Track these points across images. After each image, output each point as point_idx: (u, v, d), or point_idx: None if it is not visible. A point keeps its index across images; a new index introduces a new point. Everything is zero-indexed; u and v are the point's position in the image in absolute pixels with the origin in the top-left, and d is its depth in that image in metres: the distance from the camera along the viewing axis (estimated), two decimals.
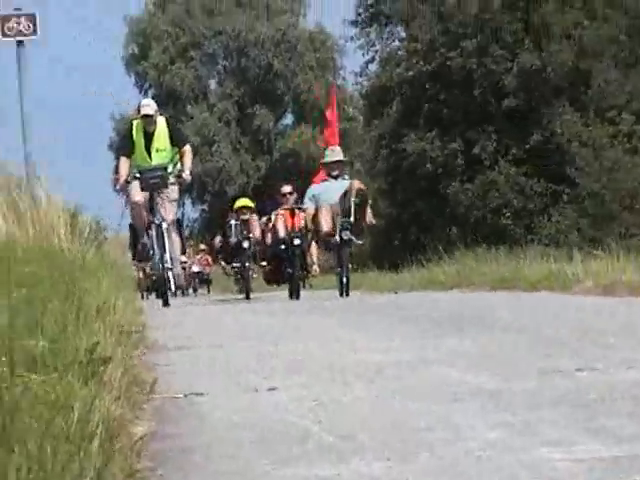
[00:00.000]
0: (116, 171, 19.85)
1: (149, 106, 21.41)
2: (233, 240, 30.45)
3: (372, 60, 63.64)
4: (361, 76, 66.70)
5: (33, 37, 34.53)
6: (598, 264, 21.39)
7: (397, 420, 7.78)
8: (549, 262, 25.03)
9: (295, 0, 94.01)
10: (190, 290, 52.17)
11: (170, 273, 19.80)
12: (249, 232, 29.28)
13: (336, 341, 13.21)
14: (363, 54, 63.81)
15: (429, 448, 6.34)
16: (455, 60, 56.94)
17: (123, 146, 21.15)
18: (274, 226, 23.55)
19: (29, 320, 8.10)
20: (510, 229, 53.88)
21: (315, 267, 26.29)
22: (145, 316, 15.35)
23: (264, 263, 31.08)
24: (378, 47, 63.67)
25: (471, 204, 60.00)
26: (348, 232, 20.37)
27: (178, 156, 21.26)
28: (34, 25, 34.62)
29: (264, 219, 26.61)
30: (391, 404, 8.24)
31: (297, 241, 21.56)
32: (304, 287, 25.87)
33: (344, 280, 20.75)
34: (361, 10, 63.17)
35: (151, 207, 20.14)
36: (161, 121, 21.33)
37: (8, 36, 34.14)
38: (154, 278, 21.79)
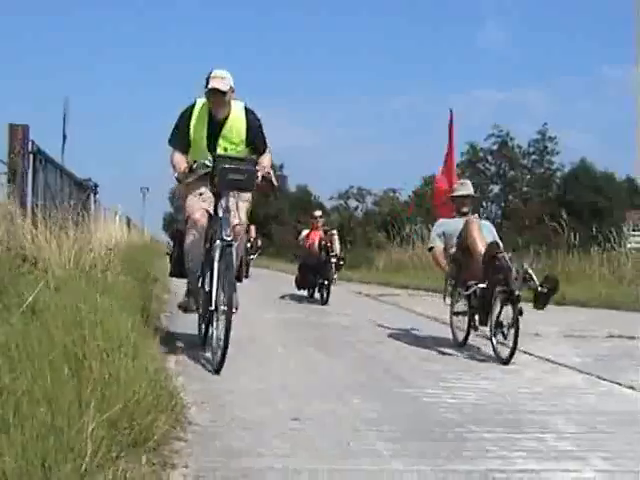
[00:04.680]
0: (172, 164, 7.25)
1: (223, 79, 7.07)
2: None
3: None
4: None
5: None
6: None
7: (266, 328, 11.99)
8: None
9: None
10: None
11: (220, 310, 6.49)
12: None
13: None
14: None
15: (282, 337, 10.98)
16: None
17: (175, 136, 7.30)
18: (311, 242, 15.21)
19: (140, 267, 12.72)
20: None
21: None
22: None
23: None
24: None
25: None
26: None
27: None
28: None
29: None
30: (274, 323, 11.93)
31: (333, 259, 14.13)
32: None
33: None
34: None
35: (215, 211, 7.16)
36: (238, 106, 7.28)
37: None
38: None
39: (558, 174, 61.30)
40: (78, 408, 3.28)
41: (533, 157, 61.36)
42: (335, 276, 14.18)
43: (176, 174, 7.10)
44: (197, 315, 7.35)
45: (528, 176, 61.55)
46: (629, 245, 21.51)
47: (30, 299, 4.78)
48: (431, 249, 9.09)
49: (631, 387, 6.34)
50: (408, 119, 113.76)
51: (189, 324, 8.14)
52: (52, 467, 2.47)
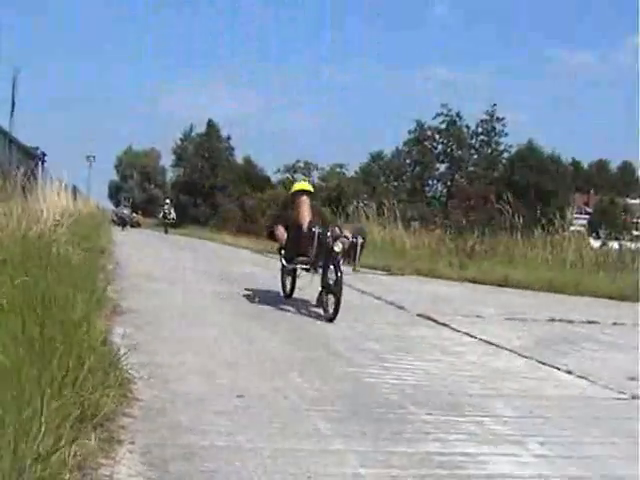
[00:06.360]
0: None
1: None
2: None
3: None
4: None
5: None
6: None
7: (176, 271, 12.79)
8: None
9: None
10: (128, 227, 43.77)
11: None
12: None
13: None
14: None
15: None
16: None
17: None
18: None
19: (86, 237, 12.13)
20: None
21: None
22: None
23: None
24: None
25: None
26: None
27: None
28: None
29: None
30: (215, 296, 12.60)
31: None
32: None
33: None
34: None
35: None
36: None
37: None
38: None
39: (505, 155, 61.74)
40: (32, 386, 3.26)
41: (481, 137, 61.67)
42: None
43: None
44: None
45: (475, 156, 61.86)
46: (572, 228, 21.84)
47: None
48: None
49: (569, 372, 6.45)
50: (353, 93, 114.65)
51: (136, 297, 8.15)
52: (5, 449, 2.46)
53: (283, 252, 10.11)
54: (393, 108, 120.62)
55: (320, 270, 9.47)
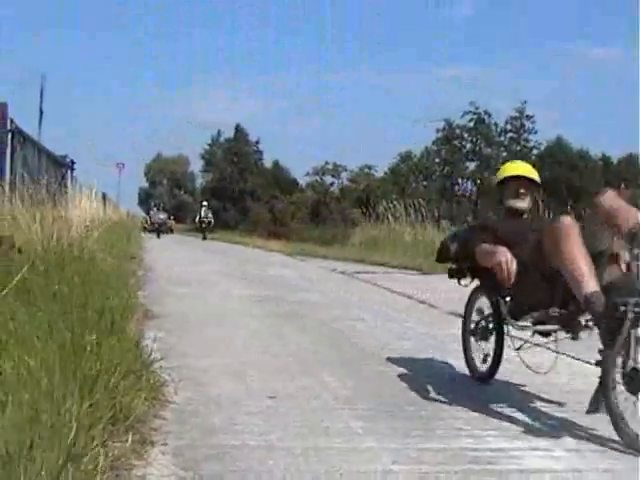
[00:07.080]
0: None
1: None
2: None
3: None
4: None
5: None
6: None
7: (200, 274, 12.72)
8: None
9: None
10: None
11: None
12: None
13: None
14: None
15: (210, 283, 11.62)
16: None
17: None
18: None
19: (120, 239, 12.05)
20: None
21: None
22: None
23: None
24: None
25: None
26: None
27: None
28: None
29: None
30: (245, 300, 12.87)
31: None
32: None
33: None
34: None
35: None
36: None
37: None
38: None
39: (535, 152, 61.32)
40: (64, 389, 3.31)
41: (510, 135, 61.27)
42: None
43: None
44: None
45: (504, 153, 61.45)
46: None
47: (14, 281, 4.81)
48: None
49: None
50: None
51: (167, 301, 8.16)
52: (37, 450, 2.51)
53: (507, 299, 4.94)
54: (397, 110, 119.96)
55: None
